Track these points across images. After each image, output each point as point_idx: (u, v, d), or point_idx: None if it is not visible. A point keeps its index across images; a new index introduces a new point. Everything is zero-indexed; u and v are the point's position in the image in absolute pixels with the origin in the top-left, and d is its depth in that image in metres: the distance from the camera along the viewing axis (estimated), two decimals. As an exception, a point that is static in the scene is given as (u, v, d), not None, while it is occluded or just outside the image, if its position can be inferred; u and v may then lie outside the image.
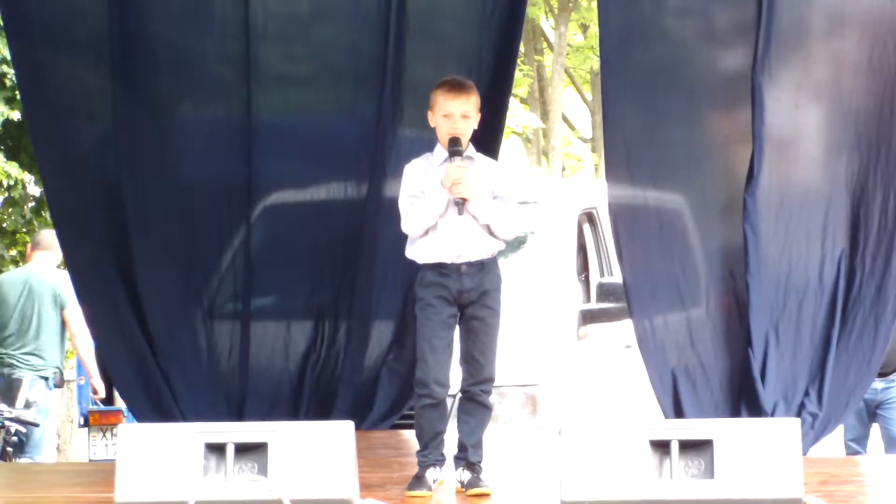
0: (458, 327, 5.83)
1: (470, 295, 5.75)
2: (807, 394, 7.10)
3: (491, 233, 5.79)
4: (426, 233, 5.79)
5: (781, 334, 7.17)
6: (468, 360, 5.77)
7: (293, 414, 7.65)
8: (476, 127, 5.88)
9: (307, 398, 7.81)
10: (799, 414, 7.00)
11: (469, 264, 5.76)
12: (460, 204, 5.69)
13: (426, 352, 5.74)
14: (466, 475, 5.72)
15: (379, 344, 7.86)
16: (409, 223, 5.79)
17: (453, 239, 5.74)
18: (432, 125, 5.85)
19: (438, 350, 5.73)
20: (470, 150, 5.86)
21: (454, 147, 5.74)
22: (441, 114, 5.78)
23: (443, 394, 5.73)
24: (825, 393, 7.06)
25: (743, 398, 7.06)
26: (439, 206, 5.72)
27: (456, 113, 5.77)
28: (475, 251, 5.76)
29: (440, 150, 5.83)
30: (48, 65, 7.63)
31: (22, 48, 7.64)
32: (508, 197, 5.82)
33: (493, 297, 5.79)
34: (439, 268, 5.77)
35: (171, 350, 7.74)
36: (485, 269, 5.79)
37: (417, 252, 5.83)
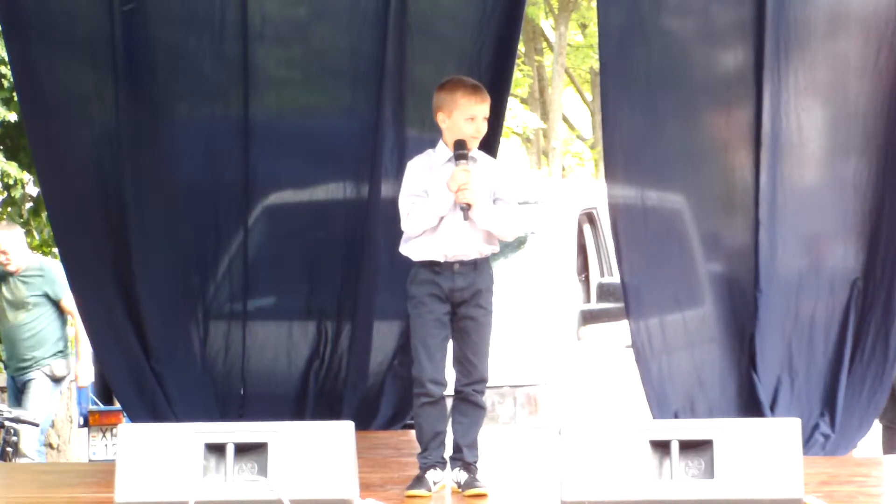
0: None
1: (462, 294, 5.74)
2: (821, 414, 7.01)
3: (490, 235, 5.78)
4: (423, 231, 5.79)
5: (794, 350, 7.07)
6: (461, 361, 5.76)
7: (296, 418, 7.63)
8: None
9: (311, 403, 7.80)
10: (811, 435, 6.90)
11: (462, 263, 5.75)
12: (465, 209, 5.68)
13: (420, 351, 5.75)
14: (463, 476, 5.72)
15: (383, 348, 7.85)
16: (410, 222, 5.77)
17: (448, 238, 5.73)
18: (443, 126, 5.79)
19: (432, 348, 5.73)
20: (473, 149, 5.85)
21: (460, 150, 5.73)
22: (465, 116, 5.74)
23: (439, 392, 5.72)
24: (838, 412, 6.96)
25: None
26: (443, 208, 5.71)
27: (479, 115, 5.77)
28: (469, 251, 5.75)
29: (443, 149, 5.81)
30: (45, 65, 7.64)
31: (19, 48, 7.64)
32: (509, 199, 5.81)
33: (486, 297, 5.78)
34: (432, 266, 5.76)
35: (167, 352, 7.74)
36: (477, 268, 5.77)
37: (411, 249, 5.82)
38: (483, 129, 5.78)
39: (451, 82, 5.87)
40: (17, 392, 9.97)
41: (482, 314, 5.77)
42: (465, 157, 5.72)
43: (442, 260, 5.75)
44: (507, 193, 5.81)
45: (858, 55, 7.13)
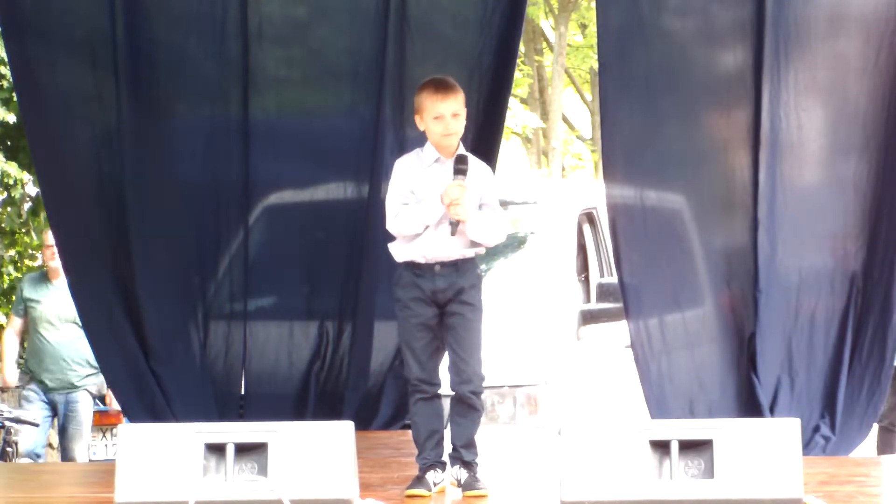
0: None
1: (445, 294, 5.72)
2: (822, 416, 7.00)
3: (475, 241, 5.76)
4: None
5: (794, 351, 7.06)
6: (451, 359, 5.76)
7: (297, 419, 7.62)
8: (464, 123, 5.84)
9: (312, 403, 7.80)
10: (812, 437, 6.89)
11: (442, 264, 5.73)
12: (454, 224, 5.66)
13: (407, 354, 5.78)
14: (463, 474, 5.71)
15: (384, 348, 7.84)
16: (396, 225, 5.76)
17: (430, 241, 5.71)
18: (421, 129, 5.77)
19: (418, 350, 5.73)
20: (460, 149, 5.80)
21: (459, 164, 5.68)
22: (432, 116, 5.70)
23: (432, 389, 5.73)
24: (838, 413, 6.94)
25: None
26: (431, 218, 5.69)
27: (447, 114, 5.70)
28: (451, 253, 5.72)
29: (430, 150, 5.76)
30: (45, 65, 7.64)
31: (19, 48, 7.64)
32: (494, 203, 5.79)
33: (471, 294, 5.74)
34: (413, 267, 5.76)
35: (166, 352, 7.73)
36: (459, 269, 5.74)
37: (395, 249, 5.83)
38: (455, 125, 5.70)
39: (422, 84, 5.82)
40: (53, 410, 9.50)
41: (468, 310, 5.74)
42: (463, 172, 5.68)
43: (422, 261, 5.74)
44: (492, 198, 5.80)
45: (858, 55, 7.12)
